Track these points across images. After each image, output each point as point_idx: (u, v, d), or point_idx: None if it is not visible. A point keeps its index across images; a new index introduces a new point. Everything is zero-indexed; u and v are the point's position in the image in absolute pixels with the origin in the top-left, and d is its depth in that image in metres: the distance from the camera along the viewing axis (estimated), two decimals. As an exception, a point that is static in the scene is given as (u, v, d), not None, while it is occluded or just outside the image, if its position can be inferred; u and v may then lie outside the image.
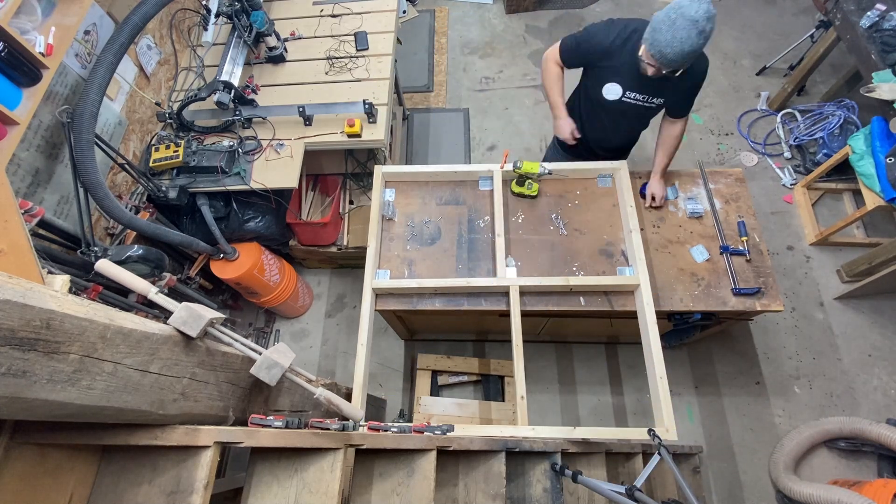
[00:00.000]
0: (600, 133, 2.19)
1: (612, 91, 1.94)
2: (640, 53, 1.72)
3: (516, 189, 2.25)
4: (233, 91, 2.18)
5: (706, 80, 1.91)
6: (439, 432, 1.43)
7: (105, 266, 0.96)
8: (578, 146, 2.23)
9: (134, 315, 0.79)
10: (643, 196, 2.27)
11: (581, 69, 2.05)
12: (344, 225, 2.73)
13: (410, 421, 2.64)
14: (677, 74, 1.70)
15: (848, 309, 2.92)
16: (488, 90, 3.85)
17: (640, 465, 2.12)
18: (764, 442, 2.63)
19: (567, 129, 2.09)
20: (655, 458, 1.61)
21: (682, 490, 1.41)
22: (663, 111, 2.05)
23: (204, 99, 2.15)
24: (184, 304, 0.89)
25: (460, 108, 3.77)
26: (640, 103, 1.96)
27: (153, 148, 2.20)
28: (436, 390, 2.78)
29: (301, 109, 2.25)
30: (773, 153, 3.45)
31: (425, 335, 2.94)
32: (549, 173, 2.16)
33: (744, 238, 2.15)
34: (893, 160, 2.47)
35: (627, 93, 1.93)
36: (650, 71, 1.71)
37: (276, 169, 2.23)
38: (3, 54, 1.40)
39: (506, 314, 2.01)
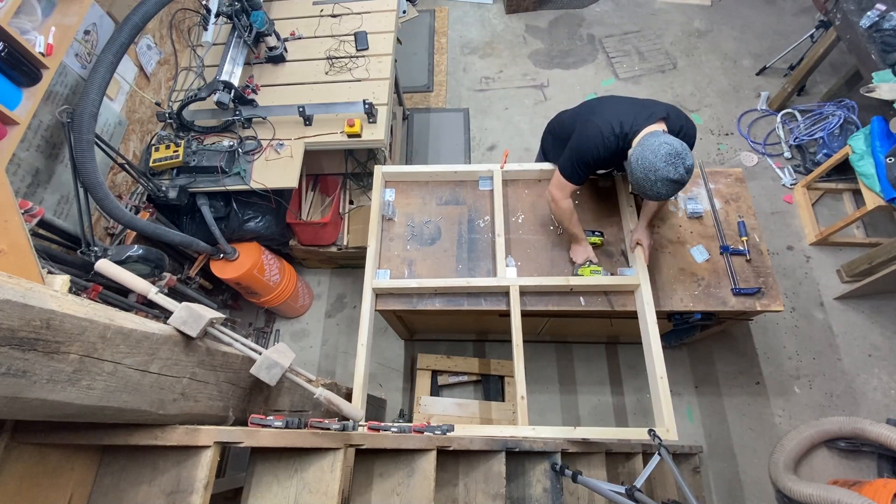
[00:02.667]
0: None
1: (600, 171, 2.02)
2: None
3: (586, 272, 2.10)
4: (233, 91, 2.18)
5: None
6: (439, 432, 1.43)
7: (105, 266, 0.96)
8: None
9: (134, 315, 0.79)
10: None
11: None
12: (344, 225, 2.73)
13: (410, 421, 2.64)
14: None
15: (848, 309, 2.92)
16: (488, 90, 3.85)
17: (640, 465, 2.12)
18: (764, 442, 2.63)
19: (583, 256, 2.06)
20: (655, 458, 1.61)
21: (682, 490, 1.41)
22: None
23: (204, 99, 2.15)
24: (184, 304, 0.89)
25: (460, 108, 3.77)
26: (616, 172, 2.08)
27: (153, 148, 2.20)
28: (436, 390, 2.78)
29: (301, 109, 2.25)
30: (773, 153, 3.45)
31: (425, 335, 2.94)
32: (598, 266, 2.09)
33: (744, 238, 2.15)
34: (893, 160, 2.47)
35: (612, 171, 2.04)
36: None
37: (276, 169, 2.23)
38: (3, 54, 1.40)
39: (506, 314, 2.01)
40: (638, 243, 2.05)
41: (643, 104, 1.80)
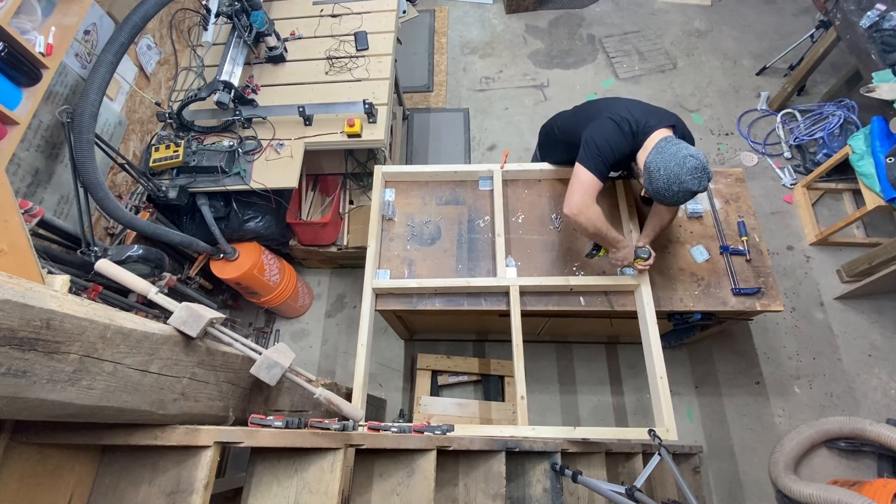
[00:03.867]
0: None
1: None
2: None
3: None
4: (233, 91, 2.18)
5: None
6: (439, 432, 1.43)
7: (105, 266, 0.96)
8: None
9: (134, 315, 0.79)
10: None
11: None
12: (344, 225, 2.73)
13: (410, 421, 2.64)
14: None
15: (848, 309, 2.92)
16: (488, 90, 3.85)
17: (640, 465, 2.12)
18: (764, 442, 2.63)
19: (630, 257, 1.91)
20: (655, 458, 1.61)
21: (682, 490, 1.41)
22: None
23: (204, 99, 2.15)
24: (184, 304, 0.89)
25: (460, 108, 3.77)
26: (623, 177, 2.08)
27: (153, 148, 2.20)
28: (436, 390, 2.78)
29: (301, 109, 2.25)
30: (773, 153, 3.45)
31: (425, 335, 2.94)
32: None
33: (744, 238, 2.15)
34: (893, 160, 2.47)
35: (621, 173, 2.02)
36: None
37: (276, 169, 2.23)
38: (3, 54, 1.40)
39: (506, 314, 2.01)
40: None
41: (648, 107, 1.80)
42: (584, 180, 1.72)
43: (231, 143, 2.27)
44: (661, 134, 1.67)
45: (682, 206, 2.25)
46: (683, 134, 1.76)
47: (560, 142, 2.10)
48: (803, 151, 3.36)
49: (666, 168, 1.57)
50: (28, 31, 1.54)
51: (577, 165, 1.74)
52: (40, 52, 1.52)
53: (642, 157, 1.69)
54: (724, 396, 2.76)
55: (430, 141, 3.62)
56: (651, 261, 1.93)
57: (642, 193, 2.17)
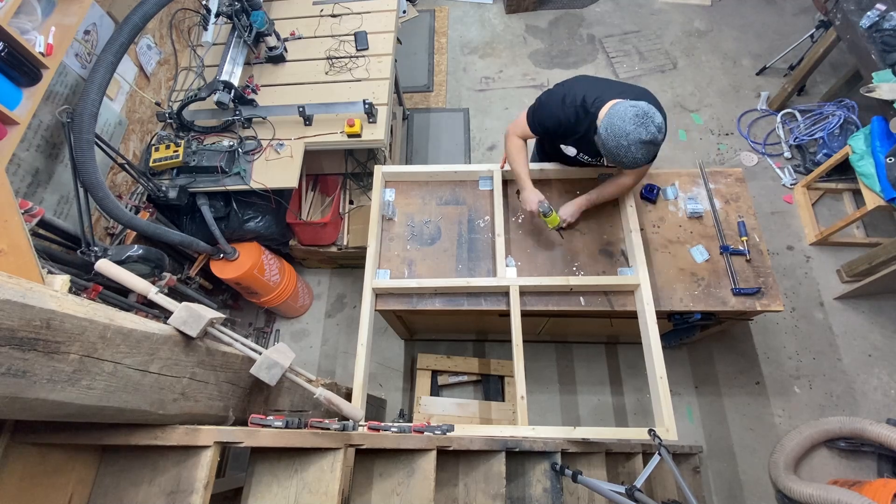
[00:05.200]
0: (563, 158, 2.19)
1: (568, 150, 2.01)
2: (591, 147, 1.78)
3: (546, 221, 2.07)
4: (233, 91, 2.18)
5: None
6: (439, 432, 1.43)
7: (105, 266, 0.96)
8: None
9: (134, 315, 0.79)
10: (643, 198, 2.27)
11: None
12: (344, 225, 2.73)
13: (410, 421, 2.64)
14: None
15: (848, 309, 2.92)
16: (488, 90, 3.85)
17: (640, 465, 2.12)
18: (764, 442, 2.63)
19: (535, 200, 1.97)
20: (655, 458, 1.61)
21: (682, 490, 1.41)
22: None
23: (204, 99, 2.15)
24: (184, 303, 0.89)
25: (460, 108, 3.77)
26: (597, 164, 2.06)
27: (153, 148, 2.20)
28: (436, 390, 2.78)
29: (301, 109, 2.25)
30: (773, 153, 3.45)
31: (425, 335, 2.94)
32: (563, 228, 2.10)
33: (744, 238, 2.15)
34: (893, 160, 2.47)
35: (581, 154, 2.01)
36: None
37: (276, 169, 2.23)
38: (3, 54, 1.40)
39: (506, 314, 2.01)
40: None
41: (615, 84, 1.81)
42: (519, 120, 1.96)
43: (231, 143, 2.27)
44: (613, 102, 1.69)
45: (682, 207, 2.25)
46: (650, 108, 1.72)
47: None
48: (803, 151, 3.36)
49: (611, 126, 1.59)
50: (28, 31, 1.54)
51: (522, 113, 1.94)
52: (40, 52, 1.52)
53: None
54: (724, 396, 2.76)
55: (430, 141, 3.62)
56: (556, 224, 2.00)
57: (606, 163, 2.04)
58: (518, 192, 2.09)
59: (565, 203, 2.08)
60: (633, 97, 1.71)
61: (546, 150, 2.29)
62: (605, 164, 2.00)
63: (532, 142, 2.42)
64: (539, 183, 2.31)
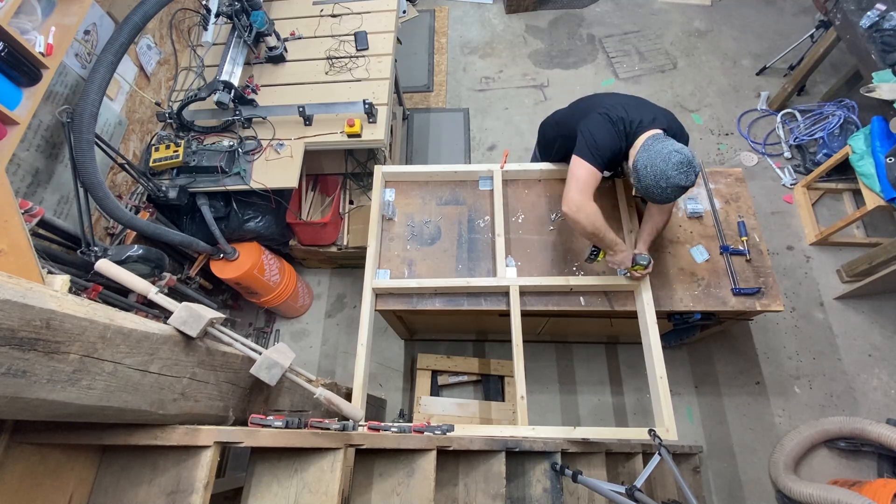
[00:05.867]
0: None
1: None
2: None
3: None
4: (233, 91, 2.18)
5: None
6: (439, 432, 1.43)
7: (105, 266, 0.96)
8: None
9: (134, 315, 0.79)
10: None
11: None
12: (344, 225, 2.73)
13: (410, 421, 2.64)
14: None
15: (848, 309, 2.92)
16: (488, 90, 3.85)
17: (640, 465, 2.12)
18: (764, 442, 2.63)
19: (629, 261, 1.88)
20: (655, 458, 1.61)
21: (682, 490, 1.41)
22: None
23: (204, 99, 2.15)
24: (184, 303, 0.89)
25: (460, 108, 3.77)
26: (604, 176, 2.03)
27: (153, 148, 2.20)
28: (436, 390, 2.78)
29: (301, 109, 2.25)
30: (773, 153, 3.45)
31: (425, 335, 2.94)
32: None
33: (744, 238, 2.15)
34: (893, 160, 2.47)
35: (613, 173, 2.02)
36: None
37: (276, 169, 2.23)
38: (3, 54, 1.40)
39: (506, 314, 2.01)
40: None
41: (643, 104, 1.80)
42: (581, 175, 1.70)
43: (231, 143, 2.27)
44: (651, 133, 1.69)
45: (682, 207, 2.25)
46: (676, 133, 1.76)
47: (558, 136, 2.11)
48: (803, 151, 3.36)
49: (653, 165, 1.59)
50: (28, 31, 1.54)
51: (575, 158, 1.73)
52: (40, 52, 1.52)
53: (632, 155, 1.71)
54: (724, 396, 2.76)
55: (430, 141, 3.62)
56: (650, 268, 1.93)
57: (633, 193, 2.17)
58: (605, 255, 1.91)
59: (637, 246, 1.94)
60: (665, 121, 1.72)
61: (549, 154, 2.27)
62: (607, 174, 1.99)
63: (534, 145, 2.42)
64: (539, 183, 2.32)
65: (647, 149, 1.63)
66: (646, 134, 1.69)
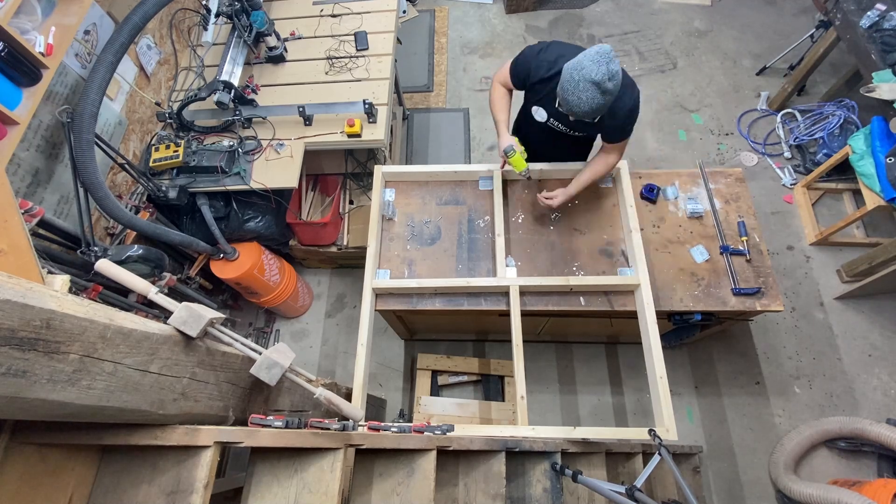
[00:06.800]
0: (538, 147, 2.17)
1: (538, 113, 2.00)
2: (557, 103, 1.75)
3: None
4: (233, 91, 2.18)
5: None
6: (439, 432, 1.43)
7: (105, 266, 0.96)
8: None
9: (134, 315, 0.79)
10: (643, 198, 2.27)
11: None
12: (344, 225, 2.73)
13: (410, 421, 2.64)
14: (595, 120, 1.76)
15: (848, 309, 2.92)
16: (488, 90, 3.84)
17: (640, 465, 2.12)
18: (764, 442, 2.63)
19: (507, 143, 2.01)
20: (655, 458, 1.61)
21: (682, 490, 1.41)
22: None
23: (204, 99, 2.15)
24: (184, 303, 0.89)
25: (460, 108, 3.77)
26: (566, 133, 2.02)
27: (153, 148, 2.20)
28: (436, 390, 2.78)
29: (301, 109, 2.25)
30: (773, 153, 3.45)
31: (425, 335, 2.94)
32: (528, 178, 2.17)
33: (744, 238, 2.15)
34: (893, 160, 2.47)
35: (551, 119, 1.99)
36: (570, 117, 1.74)
37: (276, 169, 2.23)
38: (3, 54, 1.40)
39: (506, 314, 2.01)
40: (547, 197, 2.07)
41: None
42: (503, 69, 1.98)
43: (231, 143, 2.27)
44: None
45: (683, 206, 2.25)
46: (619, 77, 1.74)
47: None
48: (803, 151, 3.36)
49: (571, 61, 1.61)
50: (28, 31, 1.54)
51: (508, 63, 1.96)
52: (40, 52, 1.52)
53: None
54: (724, 396, 2.76)
55: (430, 141, 3.62)
56: (522, 168, 1.97)
57: (556, 105, 1.90)
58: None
59: (558, 190, 2.08)
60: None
61: (521, 126, 2.25)
62: (576, 133, 1.99)
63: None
64: (540, 183, 2.32)
65: (574, 58, 1.64)
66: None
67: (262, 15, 2.33)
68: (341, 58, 2.53)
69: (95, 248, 1.78)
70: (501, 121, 2.03)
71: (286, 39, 2.59)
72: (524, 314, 1.98)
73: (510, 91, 2.04)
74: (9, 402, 0.59)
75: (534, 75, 1.86)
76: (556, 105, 1.78)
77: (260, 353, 0.97)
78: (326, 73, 2.50)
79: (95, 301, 1.04)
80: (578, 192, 2.08)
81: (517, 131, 2.26)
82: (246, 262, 2.40)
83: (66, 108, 1.67)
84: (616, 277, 2.04)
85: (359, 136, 2.25)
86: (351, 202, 2.76)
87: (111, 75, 1.74)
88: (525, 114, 2.16)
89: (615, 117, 1.80)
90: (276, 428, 0.98)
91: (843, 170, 2.96)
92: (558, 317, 2.29)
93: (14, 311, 0.56)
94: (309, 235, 2.68)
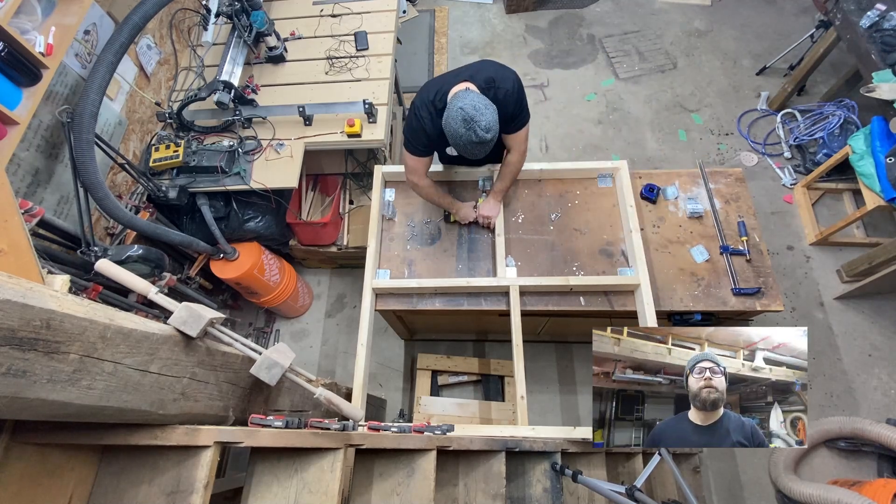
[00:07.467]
0: (467, 161, 2.20)
1: (452, 150, 2.05)
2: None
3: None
4: (233, 91, 2.18)
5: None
6: (439, 432, 1.43)
7: (105, 266, 0.96)
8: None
9: (134, 315, 0.79)
10: (643, 198, 2.27)
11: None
12: (344, 225, 2.73)
13: (410, 421, 2.64)
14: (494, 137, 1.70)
15: (848, 309, 2.92)
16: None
17: (640, 465, 2.12)
18: (764, 442, 2.63)
19: (471, 213, 2.16)
20: (655, 458, 1.61)
21: (682, 490, 1.41)
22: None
23: (204, 99, 2.15)
24: (184, 303, 0.89)
25: (460, 108, 3.76)
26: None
27: (153, 148, 2.20)
28: (436, 390, 2.78)
29: (301, 109, 2.25)
30: (773, 153, 3.44)
31: (425, 335, 2.94)
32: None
33: (744, 238, 2.15)
34: (893, 160, 2.47)
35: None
36: None
37: (276, 169, 2.23)
38: (3, 54, 1.40)
39: (506, 314, 2.01)
40: (484, 216, 2.13)
41: (460, 69, 1.79)
42: (408, 164, 1.94)
43: (231, 143, 2.27)
44: (454, 91, 1.67)
45: (683, 206, 2.25)
46: (485, 77, 1.71)
47: None
48: (803, 151, 3.36)
49: (447, 126, 1.60)
50: (28, 31, 1.54)
51: (403, 151, 1.93)
52: (40, 52, 1.52)
53: None
54: (724, 396, 2.75)
55: (430, 141, 3.61)
56: (493, 210, 2.10)
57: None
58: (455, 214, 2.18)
59: (483, 203, 2.16)
60: (469, 75, 1.71)
61: (443, 158, 2.27)
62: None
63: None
64: (540, 183, 2.31)
65: (448, 110, 1.61)
66: (450, 94, 1.68)
67: (262, 15, 2.33)
68: (341, 58, 2.53)
69: (95, 248, 1.78)
70: (447, 202, 2.10)
71: (286, 39, 2.59)
72: (524, 314, 1.98)
73: (427, 169, 1.98)
74: (9, 402, 0.59)
75: (429, 134, 1.80)
76: None
77: (260, 353, 0.97)
78: (326, 73, 2.50)
79: (95, 301, 1.04)
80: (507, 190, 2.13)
81: (442, 160, 2.29)
82: (246, 262, 2.40)
83: (66, 108, 1.67)
84: (616, 277, 2.03)
85: (359, 136, 2.25)
86: (351, 202, 2.76)
87: (111, 75, 1.74)
88: (441, 154, 2.22)
89: (506, 105, 1.75)
90: (276, 428, 0.99)
91: (843, 170, 2.96)
92: (558, 317, 2.28)
93: (14, 311, 0.56)
94: (309, 235, 2.68)
